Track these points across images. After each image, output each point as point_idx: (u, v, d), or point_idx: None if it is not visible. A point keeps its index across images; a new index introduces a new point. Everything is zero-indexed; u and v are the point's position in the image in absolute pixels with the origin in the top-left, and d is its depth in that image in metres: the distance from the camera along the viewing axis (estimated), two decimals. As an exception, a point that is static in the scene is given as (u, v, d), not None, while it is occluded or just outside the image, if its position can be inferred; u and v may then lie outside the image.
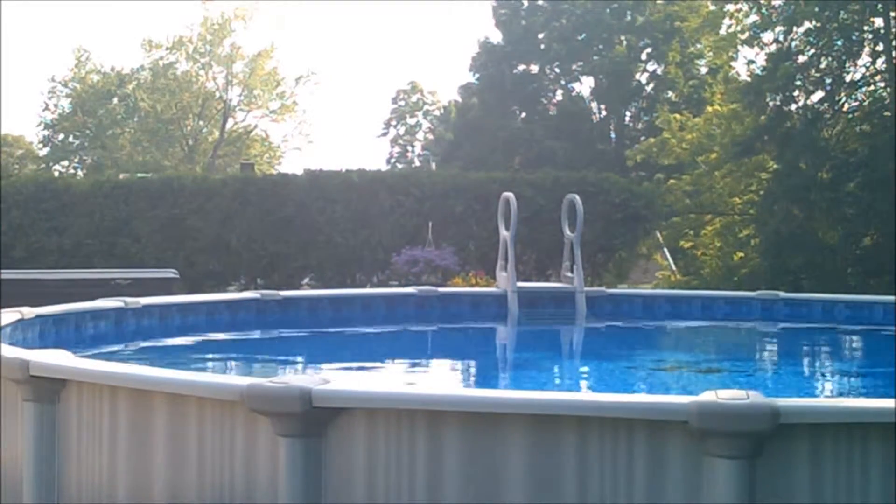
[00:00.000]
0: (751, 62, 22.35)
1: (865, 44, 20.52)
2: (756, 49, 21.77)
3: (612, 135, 37.08)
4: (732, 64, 25.58)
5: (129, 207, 18.55)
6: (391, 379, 6.77)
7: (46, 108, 46.80)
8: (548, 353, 8.66)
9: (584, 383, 6.92)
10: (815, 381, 7.01)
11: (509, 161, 33.95)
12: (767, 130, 20.02)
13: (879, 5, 19.62)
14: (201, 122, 46.35)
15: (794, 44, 20.45)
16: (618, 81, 35.21)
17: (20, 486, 4.07)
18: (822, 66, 20.44)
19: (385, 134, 56.90)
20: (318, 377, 3.49)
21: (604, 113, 37.33)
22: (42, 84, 55.43)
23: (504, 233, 10.42)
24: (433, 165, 46.68)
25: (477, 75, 37.48)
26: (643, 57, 36.45)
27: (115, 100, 45.71)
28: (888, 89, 19.66)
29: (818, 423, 3.10)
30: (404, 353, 8.04)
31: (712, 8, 24.08)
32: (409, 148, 57.56)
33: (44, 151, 48.05)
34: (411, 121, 57.29)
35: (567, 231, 10.58)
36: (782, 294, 10.57)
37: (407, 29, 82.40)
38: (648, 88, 36.63)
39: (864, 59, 20.80)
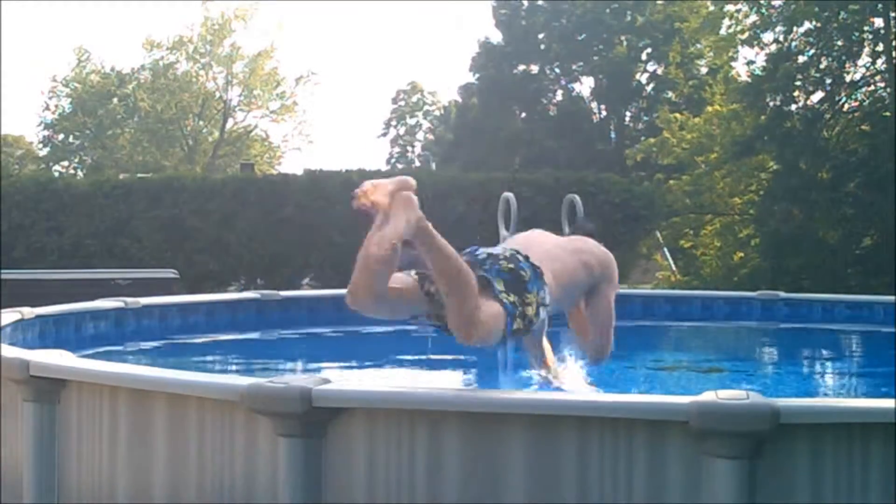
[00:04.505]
0: (751, 62, 22.37)
1: (865, 44, 20.54)
2: (756, 49, 21.80)
3: (612, 135, 37.13)
4: (732, 64, 25.61)
5: (129, 207, 18.53)
6: (391, 379, 6.76)
7: (46, 108, 46.82)
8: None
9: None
10: (815, 382, 7.01)
11: (509, 161, 33.96)
12: (767, 130, 20.03)
13: (879, 5, 19.62)
14: (201, 123, 46.34)
15: (794, 44, 20.46)
16: (618, 81, 35.25)
17: (20, 486, 4.07)
18: (822, 66, 20.45)
19: (385, 134, 57.00)
20: (318, 377, 3.49)
21: (604, 113, 37.37)
22: (42, 84, 55.51)
23: (504, 233, 10.41)
24: (433, 165, 46.68)
25: (477, 75, 37.52)
26: (643, 57, 36.49)
27: (115, 100, 45.69)
28: (888, 89, 19.66)
29: (818, 423, 3.10)
30: (404, 353, 8.03)
31: (712, 8, 24.07)
32: (409, 148, 57.61)
33: (44, 151, 48.04)
34: (411, 121, 57.36)
35: (567, 231, 10.56)
36: (782, 294, 10.54)
37: (407, 29, 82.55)
38: (648, 88, 36.68)
39: (864, 59, 20.83)
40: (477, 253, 4.05)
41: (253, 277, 18.71)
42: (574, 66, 36.84)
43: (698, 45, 33.17)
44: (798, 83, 20.31)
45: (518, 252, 4.09)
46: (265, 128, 47.69)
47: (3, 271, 13.08)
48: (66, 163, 47.61)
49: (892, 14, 19.32)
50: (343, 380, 4.13)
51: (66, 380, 3.98)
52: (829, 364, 8.22)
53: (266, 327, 8.41)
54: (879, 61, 20.38)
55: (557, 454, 3.21)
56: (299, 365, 7.56)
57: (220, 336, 8.07)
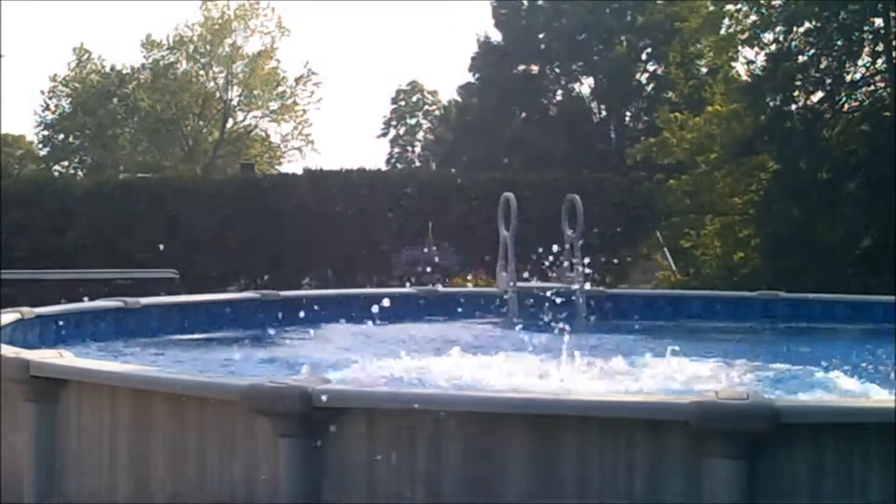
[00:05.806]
0: (751, 62, 22.35)
1: (865, 44, 20.53)
2: (756, 49, 21.77)
3: (612, 135, 37.07)
4: (732, 64, 25.57)
5: (129, 207, 18.56)
6: (391, 379, 6.75)
7: (46, 108, 46.79)
8: (548, 353, 8.63)
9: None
10: (814, 382, 7.00)
11: (509, 161, 33.95)
12: (767, 130, 20.02)
13: (879, 5, 19.62)
14: (201, 122, 46.30)
15: (794, 44, 20.45)
16: (618, 81, 35.21)
17: (20, 486, 4.06)
18: (822, 66, 20.44)
19: (385, 134, 56.84)
20: (318, 377, 3.49)
21: (604, 113, 37.32)
22: (42, 84, 55.44)
23: (504, 233, 10.41)
24: (433, 165, 46.65)
25: (477, 75, 37.45)
26: (643, 57, 36.44)
27: (115, 100, 45.65)
28: (888, 89, 19.66)
29: (818, 423, 3.10)
30: (404, 353, 8.02)
31: (712, 8, 24.05)
32: (409, 148, 57.52)
33: (44, 151, 48.02)
34: (411, 121, 57.23)
35: (567, 231, 10.56)
36: (782, 294, 10.53)
37: (407, 29, 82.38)
38: (648, 88, 36.63)
39: (864, 59, 20.81)
40: None
41: (253, 277, 18.72)
42: (574, 66, 36.80)
43: (698, 45, 33.11)
44: (798, 83, 20.30)
45: None
46: (265, 128, 47.70)
47: (3, 271, 13.08)
48: (66, 163, 47.58)
49: (893, 14, 19.31)
50: (342, 380, 4.14)
51: (66, 380, 3.98)
52: (828, 364, 8.21)
53: (266, 327, 8.40)
54: (879, 61, 20.37)
55: (557, 454, 3.21)
56: (299, 365, 7.54)
57: (220, 336, 8.06)
